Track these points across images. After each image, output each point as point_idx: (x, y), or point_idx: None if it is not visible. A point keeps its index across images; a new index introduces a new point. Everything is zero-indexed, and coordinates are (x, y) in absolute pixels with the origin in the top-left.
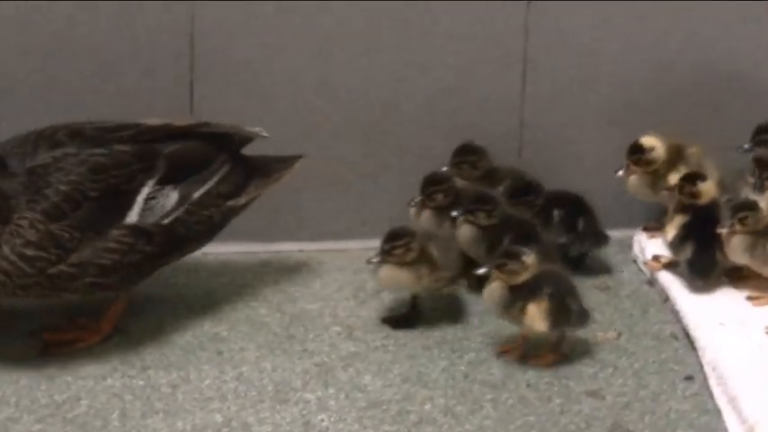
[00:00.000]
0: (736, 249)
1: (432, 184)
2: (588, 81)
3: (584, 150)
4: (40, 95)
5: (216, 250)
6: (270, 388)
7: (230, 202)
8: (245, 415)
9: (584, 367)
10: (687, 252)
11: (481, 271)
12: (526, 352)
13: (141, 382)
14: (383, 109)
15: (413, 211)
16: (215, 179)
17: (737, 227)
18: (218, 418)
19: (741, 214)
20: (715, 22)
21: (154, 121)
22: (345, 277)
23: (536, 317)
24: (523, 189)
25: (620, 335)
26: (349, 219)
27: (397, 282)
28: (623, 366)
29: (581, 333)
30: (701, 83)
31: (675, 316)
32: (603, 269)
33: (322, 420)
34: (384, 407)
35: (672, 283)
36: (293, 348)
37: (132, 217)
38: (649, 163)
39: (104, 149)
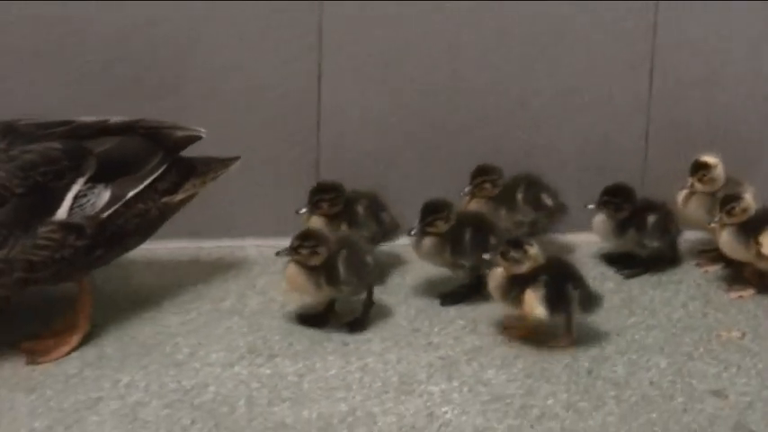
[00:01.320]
0: (727, 245)
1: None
2: (713, 81)
3: (710, 148)
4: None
5: None
6: (394, 379)
7: (166, 199)
8: (369, 405)
9: (708, 366)
10: None
11: (487, 256)
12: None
13: (268, 371)
14: (512, 106)
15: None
16: (150, 178)
17: (725, 218)
18: (344, 407)
19: (728, 206)
20: None
21: (89, 118)
22: None
23: (533, 303)
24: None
25: (744, 335)
26: None
27: (297, 285)
28: (747, 366)
29: (705, 332)
30: None
31: None
32: None
33: (445, 412)
34: (507, 401)
35: None
36: (418, 341)
37: (61, 214)
38: (712, 181)
39: (34, 146)
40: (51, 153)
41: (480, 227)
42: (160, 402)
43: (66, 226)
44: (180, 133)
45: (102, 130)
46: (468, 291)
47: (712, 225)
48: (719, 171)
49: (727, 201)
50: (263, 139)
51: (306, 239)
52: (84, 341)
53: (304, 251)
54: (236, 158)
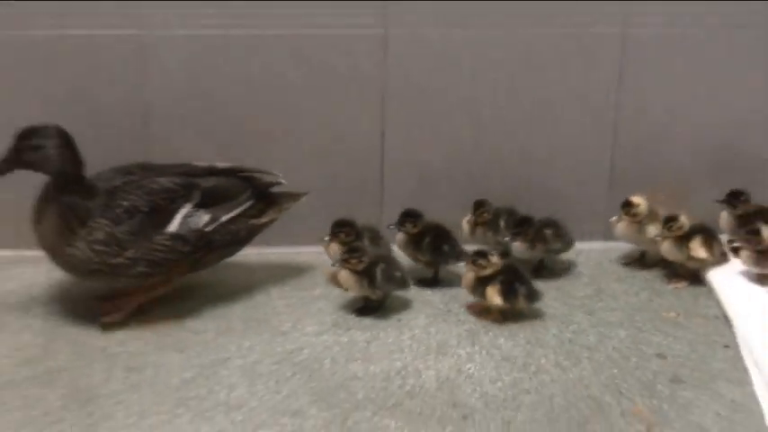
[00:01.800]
0: (667, 251)
1: (408, 215)
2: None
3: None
4: None
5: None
6: (434, 345)
7: (253, 221)
8: (416, 363)
9: (653, 337)
10: None
11: (461, 263)
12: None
13: (345, 339)
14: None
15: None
16: (239, 209)
17: (666, 233)
18: (398, 364)
19: (669, 224)
20: None
21: (201, 163)
22: None
23: (493, 295)
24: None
25: (678, 315)
26: None
27: (348, 284)
28: (680, 336)
29: (652, 313)
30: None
31: (717, 302)
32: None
33: (469, 368)
34: (513, 360)
35: (714, 277)
36: (450, 318)
37: (172, 228)
38: (636, 215)
39: (160, 179)
40: (170, 185)
41: (439, 234)
42: (270, 360)
43: (175, 236)
44: (266, 179)
45: (210, 171)
46: (431, 281)
47: (657, 238)
48: (642, 208)
49: (668, 220)
50: (336, 183)
51: (354, 252)
52: (217, 317)
53: (353, 260)
54: (305, 194)
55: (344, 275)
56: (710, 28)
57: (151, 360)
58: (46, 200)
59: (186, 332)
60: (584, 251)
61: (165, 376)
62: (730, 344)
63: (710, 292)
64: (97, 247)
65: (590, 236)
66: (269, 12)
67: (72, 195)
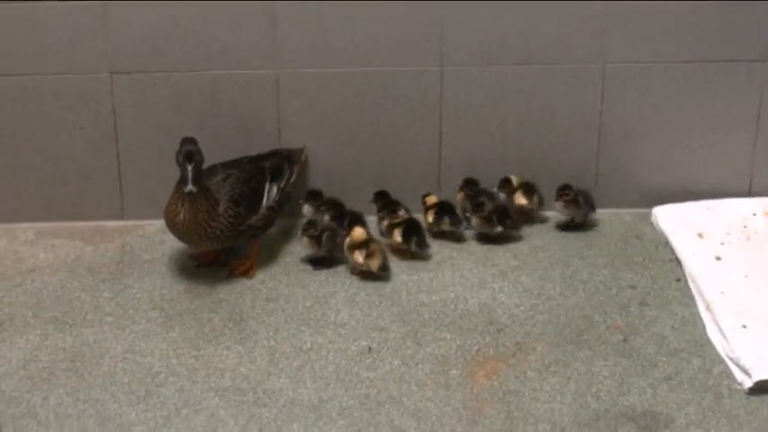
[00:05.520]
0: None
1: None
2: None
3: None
4: None
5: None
6: (475, 281)
7: (291, 180)
8: (463, 293)
9: (628, 274)
10: None
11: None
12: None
13: (415, 277)
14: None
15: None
16: (287, 177)
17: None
18: (452, 294)
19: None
20: None
21: (252, 154)
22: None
23: (396, 235)
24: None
25: (644, 259)
26: None
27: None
28: (646, 274)
29: (627, 258)
30: None
31: (671, 249)
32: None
33: (501, 297)
34: (531, 291)
35: (668, 231)
36: (487, 262)
37: (266, 202)
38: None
39: (246, 169)
40: (253, 172)
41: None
42: (365, 292)
43: (268, 207)
44: (293, 149)
45: (261, 156)
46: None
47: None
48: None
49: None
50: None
51: (311, 225)
52: (329, 266)
53: (312, 230)
54: (303, 147)
55: (305, 240)
56: None
57: (283, 293)
58: (184, 193)
59: (306, 274)
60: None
61: (292, 304)
62: (681, 278)
63: (667, 243)
64: (232, 220)
65: None
66: None
67: (207, 187)
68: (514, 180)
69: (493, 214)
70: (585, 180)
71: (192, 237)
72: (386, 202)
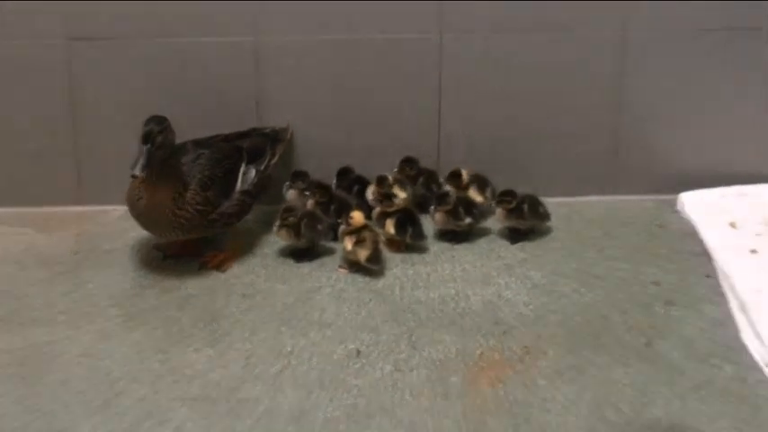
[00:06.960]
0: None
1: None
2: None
3: None
4: None
5: None
6: (479, 276)
7: (272, 162)
8: (466, 289)
9: (650, 269)
10: None
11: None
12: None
13: (411, 271)
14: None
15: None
16: (268, 159)
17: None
18: (452, 291)
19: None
20: None
21: (227, 132)
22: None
23: (389, 227)
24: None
25: (669, 252)
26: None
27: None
28: (672, 269)
29: (649, 250)
30: None
31: (701, 242)
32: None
33: (507, 293)
34: (541, 287)
35: (698, 223)
36: (492, 256)
37: (240, 186)
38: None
39: (220, 149)
40: (228, 152)
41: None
42: (354, 287)
43: (243, 192)
44: (277, 128)
45: (238, 135)
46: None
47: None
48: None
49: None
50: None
51: (289, 211)
52: (313, 258)
53: (291, 218)
54: (287, 126)
55: (283, 232)
56: None
57: (261, 289)
58: (152, 176)
59: (288, 267)
60: (592, 202)
61: (271, 301)
62: (711, 274)
63: (695, 234)
64: (199, 207)
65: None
66: None
67: (177, 170)
68: (465, 174)
69: (458, 206)
70: (603, 163)
71: (156, 225)
72: (352, 182)
